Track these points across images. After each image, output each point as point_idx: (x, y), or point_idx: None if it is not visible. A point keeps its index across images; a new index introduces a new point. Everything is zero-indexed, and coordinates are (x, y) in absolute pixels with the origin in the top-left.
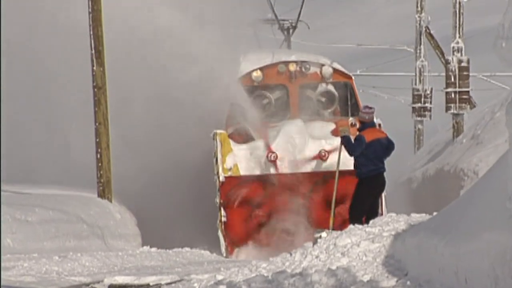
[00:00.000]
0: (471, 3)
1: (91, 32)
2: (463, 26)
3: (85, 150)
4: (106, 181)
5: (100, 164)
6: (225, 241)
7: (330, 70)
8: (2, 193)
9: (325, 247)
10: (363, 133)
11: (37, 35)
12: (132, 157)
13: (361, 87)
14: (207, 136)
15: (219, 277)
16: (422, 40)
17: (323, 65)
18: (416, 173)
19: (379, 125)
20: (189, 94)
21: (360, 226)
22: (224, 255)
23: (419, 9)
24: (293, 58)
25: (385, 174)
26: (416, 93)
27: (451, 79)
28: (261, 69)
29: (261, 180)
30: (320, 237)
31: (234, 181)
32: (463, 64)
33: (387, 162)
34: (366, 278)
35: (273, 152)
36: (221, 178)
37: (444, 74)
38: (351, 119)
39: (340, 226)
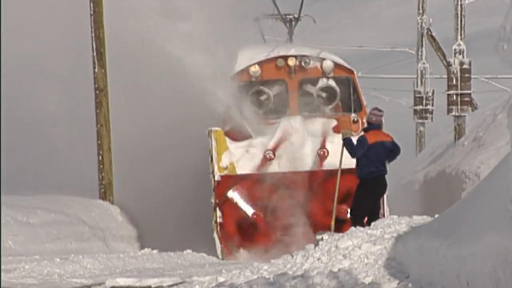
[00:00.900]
0: (473, 5)
1: (93, 34)
2: (465, 28)
3: (86, 153)
4: (107, 183)
5: (101, 166)
6: (220, 243)
7: (331, 64)
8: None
9: (326, 249)
10: (366, 135)
11: (38, 36)
12: (133, 159)
13: (363, 89)
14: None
15: (221, 279)
16: (423, 42)
17: (323, 59)
18: (417, 175)
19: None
20: (191, 93)
21: (361, 228)
22: (220, 257)
23: (420, 11)
24: (292, 52)
25: (386, 176)
26: (417, 95)
27: (452, 81)
28: (259, 63)
29: (258, 179)
30: (322, 239)
31: (230, 180)
32: (464, 66)
33: (389, 164)
34: (367, 280)
35: (271, 150)
36: (217, 177)
37: (445, 76)
38: (353, 115)
39: (339, 226)
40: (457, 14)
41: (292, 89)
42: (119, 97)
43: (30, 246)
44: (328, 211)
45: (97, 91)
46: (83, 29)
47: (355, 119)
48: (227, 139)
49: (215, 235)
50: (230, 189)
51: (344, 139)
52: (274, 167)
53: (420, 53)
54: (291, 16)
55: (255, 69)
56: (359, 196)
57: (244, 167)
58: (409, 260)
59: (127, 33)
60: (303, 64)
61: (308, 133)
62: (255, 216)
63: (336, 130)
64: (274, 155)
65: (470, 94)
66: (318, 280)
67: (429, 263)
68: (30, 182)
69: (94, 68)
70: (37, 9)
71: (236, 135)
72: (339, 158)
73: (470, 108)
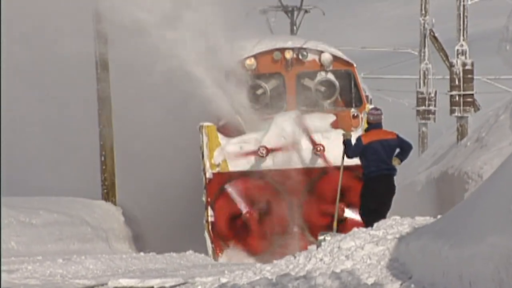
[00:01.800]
0: (476, 5)
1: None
2: (467, 29)
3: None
4: (110, 184)
5: (104, 167)
6: (211, 242)
7: (330, 57)
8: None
9: (329, 250)
10: (364, 135)
11: (40, 38)
12: (135, 160)
13: None
14: None
15: (223, 280)
16: (426, 42)
17: (322, 51)
18: (420, 176)
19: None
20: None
21: (364, 229)
22: (211, 257)
23: (423, 11)
24: (289, 44)
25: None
26: (420, 96)
27: (455, 82)
28: (254, 56)
29: (252, 177)
30: (324, 239)
31: (222, 177)
32: (467, 67)
33: (402, 161)
34: (370, 281)
35: (264, 147)
36: (208, 175)
37: (448, 77)
38: (352, 110)
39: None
40: (460, 14)
41: (289, 83)
42: (121, 99)
43: (32, 247)
44: (321, 209)
45: (99, 93)
46: (85, 29)
47: (355, 114)
48: (219, 135)
49: (206, 234)
50: (225, 185)
51: (344, 141)
52: (268, 164)
53: (422, 54)
54: (293, 7)
55: (251, 62)
56: (363, 195)
57: (237, 164)
58: (412, 261)
59: (129, 31)
60: (300, 57)
61: (303, 129)
62: (247, 215)
63: (335, 125)
64: (268, 151)
65: (472, 94)
66: (320, 281)
67: (432, 264)
68: (32, 183)
69: (97, 69)
70: (40, 12)
71: (230, 131)
72: (341, 159)
73: (472, 109)
